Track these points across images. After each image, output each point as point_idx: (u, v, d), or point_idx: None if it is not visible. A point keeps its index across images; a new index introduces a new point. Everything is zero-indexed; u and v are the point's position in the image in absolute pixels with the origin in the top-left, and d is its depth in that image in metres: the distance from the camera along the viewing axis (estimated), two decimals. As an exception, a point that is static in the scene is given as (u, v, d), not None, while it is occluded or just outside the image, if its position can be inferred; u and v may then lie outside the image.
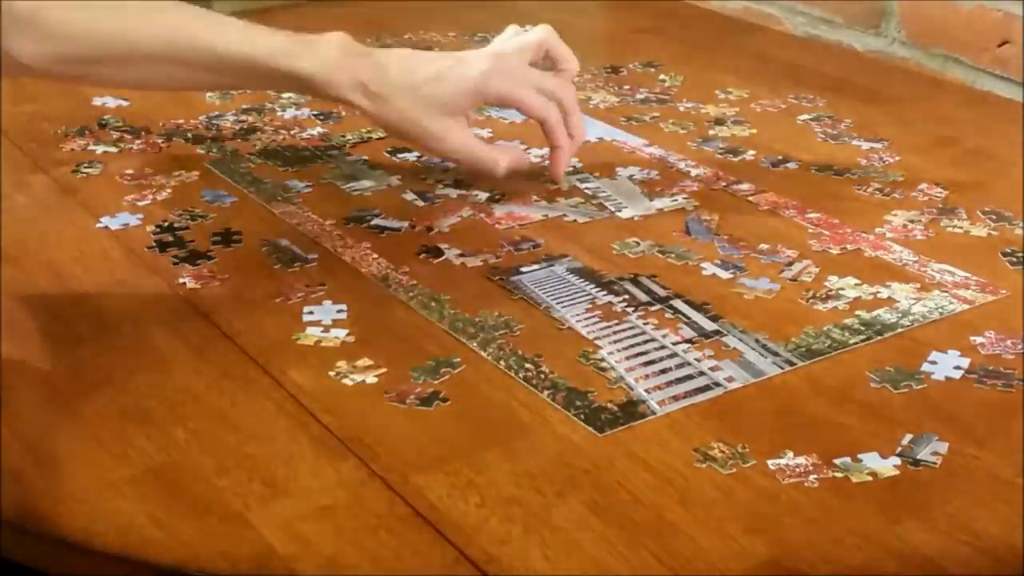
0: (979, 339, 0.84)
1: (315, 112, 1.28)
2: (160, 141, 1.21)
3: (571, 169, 1.12)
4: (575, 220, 1.02)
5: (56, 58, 0.95)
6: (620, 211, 1.04)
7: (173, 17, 0.99)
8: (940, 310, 0.88)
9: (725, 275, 0.93)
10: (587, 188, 1.09)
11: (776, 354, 0.83)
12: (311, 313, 0.89)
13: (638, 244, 0.98)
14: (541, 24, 1.09)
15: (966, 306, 0.89)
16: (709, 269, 0.94)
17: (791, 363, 0.82)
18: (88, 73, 1.01)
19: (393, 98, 1.01)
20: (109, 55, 0.97)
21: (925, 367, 0.81)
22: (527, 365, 0.82)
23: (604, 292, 0.91)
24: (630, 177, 1.11)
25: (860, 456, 0.72)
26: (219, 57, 0.98)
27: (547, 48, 1.07)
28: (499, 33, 1.10)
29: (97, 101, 1.31)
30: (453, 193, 1.08)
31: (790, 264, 0.95)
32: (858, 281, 0.92)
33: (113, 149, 1.19)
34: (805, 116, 1.27)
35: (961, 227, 1.01)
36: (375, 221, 1.03)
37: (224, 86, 1.09)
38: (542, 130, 1.06)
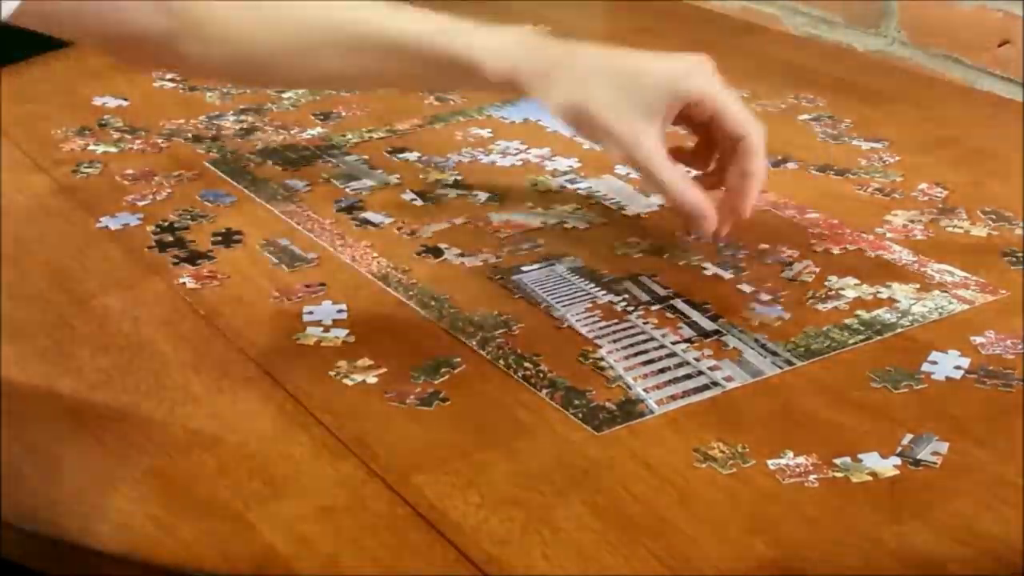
0: (979, 339, 0.84)
1: (315, 112, 1.28)
2: (160, 141, 1.21)
3: (567, 170, 1.12)
4: (575, 226, 1.01)
5: (232, 59, 0.95)
6: (622, 210, 1.04)
7: (343, 5, 0.96)
8: (940, 310, 0.88)
9: (726, 275, 0.93)
10: (579, 189, 1.09)
11: (776, 354, 0.83)
12: (311, 313, 0.89)
13: (639, 244, 0.98)
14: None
15: (966, 306, 0.89)
16: (711, 269, 0.94)
17: (791, 363, 0.82)
18: (264, 72, 0.99)
19: (580, 82, 0.89)
20: (271, 50, 0.95)
21: (925, 367, 0.81)
22: (526, 364, 0.82)
23: (604, 292, 0.91)
24: (627, 175, 1.11)
25: (860, 456, 0.72)
26: (392, 39, 0.93)
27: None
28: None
29: (97, 101, 1.31)
30: (453, 193, 1.08)
31: (790, 264, 0.95)
32: (857, 281, 0.92)
33: (113, 149, 1.19)
34: (805, 116, 1.26)
35: (961, 227, 1.01)
36: (364, 214, 1.04)
37: (396, 75, 0.97)
38: (737, 151, 0.89)
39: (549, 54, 0.91)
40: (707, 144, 0.93)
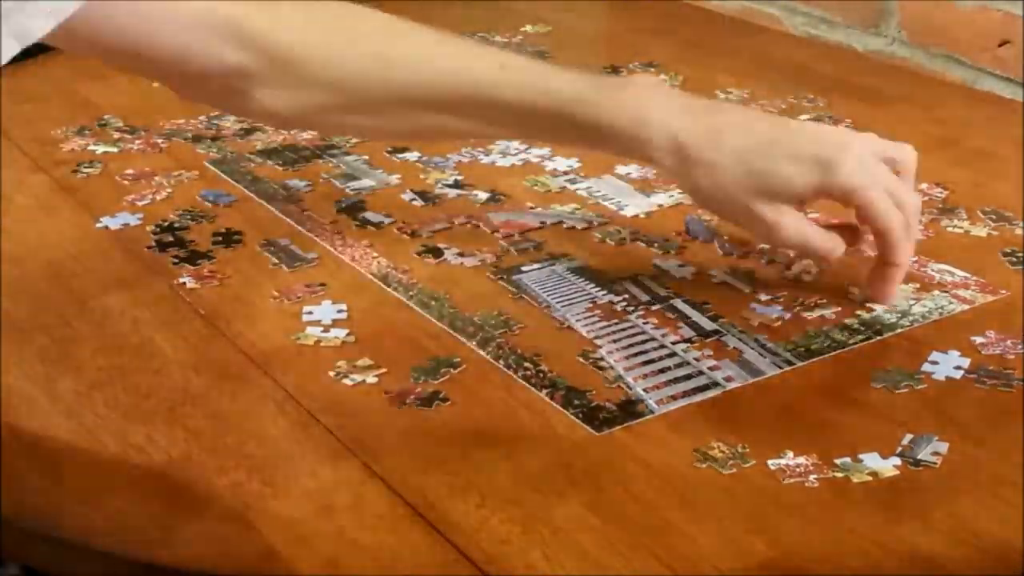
0: (979, 339, 0.84)
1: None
2: (160, 141, 1.21)
3: (568, 169, 1.12)
4: (574, 226, 1.01)
5: (314, 108, 0.86)
6: (622, 209, 1.04)
7: (447, 57, 0.88)
8: (940, 310, 0.88)
9: (727, 276, 0.93)
10: (579, 189, 1.08)
11: (775, 354, 0.83)
12: (311, 313, 0.89)
13: (638, 244, 0.98)
14: (906, 145, 0.89)
15: (966, 306, 0.89)
16: (713, 271, 0.94)
17: (791, 363, 0.82)
18: (348, 122, 0.92)
19: (719, 170, 0.83)
20: (373, 104, 0.87)
21: (925, 367, 0.81)
22: (526, 364, 0.82)
23: (604, 291, 0.91)
24: (627, 175, 1.11)
25: (860, 456, 0.72)
26: (504, 105, 0.85)
27: (899, 167, 0.87)
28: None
29: (97, 100, 1.31)
30: (453, 193, 1.08)
31: (790, 264, 0.95)
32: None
33: (113, 149, 1.19)
34: (805, 116, 1.26)
35: (961, 227, 1.01)
36: (364, 214, 1.04)
37: (505, 136, 0.94)
38: (877, 240, 0.87)
39: (681, 127, 0.84)
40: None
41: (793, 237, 0.85)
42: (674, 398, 0.78)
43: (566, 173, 1.12)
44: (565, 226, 1.01)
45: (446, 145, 1.18)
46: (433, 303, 0.90)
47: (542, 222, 1.02)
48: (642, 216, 1.04)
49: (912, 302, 0.89)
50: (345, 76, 0.85)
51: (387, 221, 1.03)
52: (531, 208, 1.04)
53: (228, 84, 0.84)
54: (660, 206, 1.05)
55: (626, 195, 1.07)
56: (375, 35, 0.88)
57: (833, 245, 0.87)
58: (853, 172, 0.83)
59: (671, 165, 0.84)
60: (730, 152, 0.83)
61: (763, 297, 0.90)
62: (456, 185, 1.10)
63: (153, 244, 1.00)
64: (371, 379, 0.81)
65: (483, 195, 1.08)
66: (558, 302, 0.90)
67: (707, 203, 0.88)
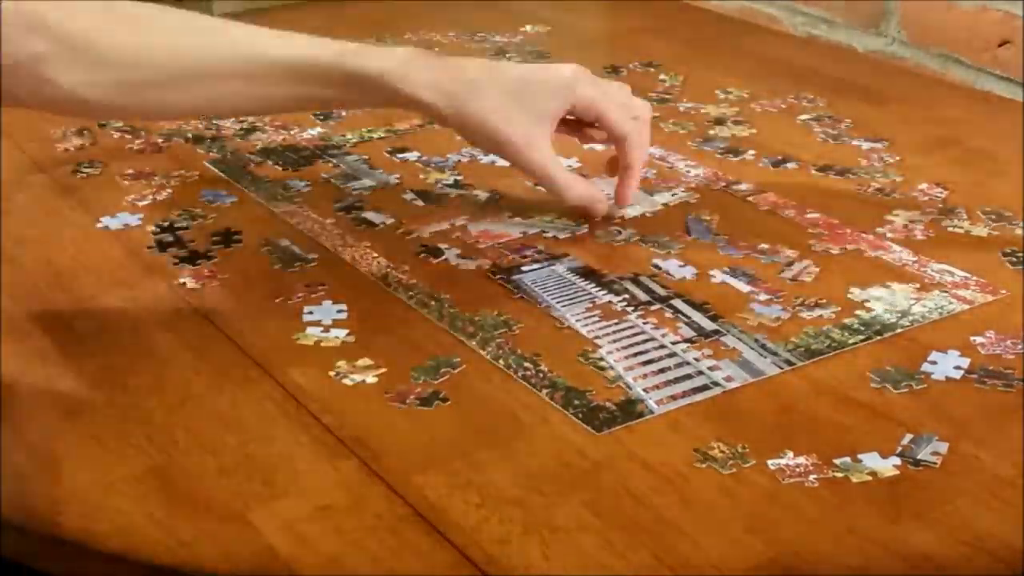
0: (979, 339, 0.84)
1: (315, 112, 1.28)
2: (160, 141, 1.21)
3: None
4: (555, 236, 1.00)
5: (115, 86, 0.91)
6: (622, 209, 1.04)
7: (233, 32, 0.96)
8: (940, 310, 0.88)
9: (727, 276, 0.93)
10: None
11: (775, 354, 0.83)
12: (311, 313, 0.89)
13: (638, 244, 0.98)
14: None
15: (966, 306, 0.89)
16: (713, 271, 0.94)
17: (790, 363, 0.82)
18: (149, 100, 0.95)
19: (474, 96, 0.95)
20: (171, 77, 0.92)
21: (925, 367, 0.81)
22: (526, 364, 0.82)
23: (604, 291, 0.91)
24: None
25: (860, 456, 0.72)
26: (285, 65, 0.94)
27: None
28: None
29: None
30: (453, 193, 1.08)
31: (790, 264, 0.95)
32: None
33: (113, 149, 1.19)
34: (805, 116, 1.27)
35: (961, 227, 1.01)
36: (364, 214, 1.04)
37: (291, 101, 0.98)
38: (617, 148, 1.00)
39: (441, 71, 0.95)
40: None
41: (539, 164, 0.98)
42: (674, 398, 0.78)
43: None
44: (547, 235, 1.00)
45: (446, 145, 1.18)
46: (433, 303, 0.90)
47: (523, 232, 1.01)
48: (648, 215, 1.03)
49: (912, 302, 0.89)
50: (138, 52, 0.91)
51: (387, 221, 1.03)
52: (510, 217, 1.04)
53: (29, 73, 0.88)
54: (666, 205, 1.05)
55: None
56: (165, 17, 0.95)
57: (572, 184, 0.99)
58: (590, 89, 0.98)
59: (438, 103, 0.95)
60: (479, 80, 0.95)
61: (763, 297, 0.90)
62: (456, 185, 1.10)
63: (153, 244, 1.00)
64: (371, 379, 0.81)
65: (483, 195, 1.08)
66: (558, 302, 0.90)
67: (470, 133, 0.98)
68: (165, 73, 0.92)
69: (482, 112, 0.95)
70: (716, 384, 0.80)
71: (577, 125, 1.02)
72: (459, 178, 1.11)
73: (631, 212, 1.04)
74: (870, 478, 0.71)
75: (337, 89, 0.96)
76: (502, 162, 1.14)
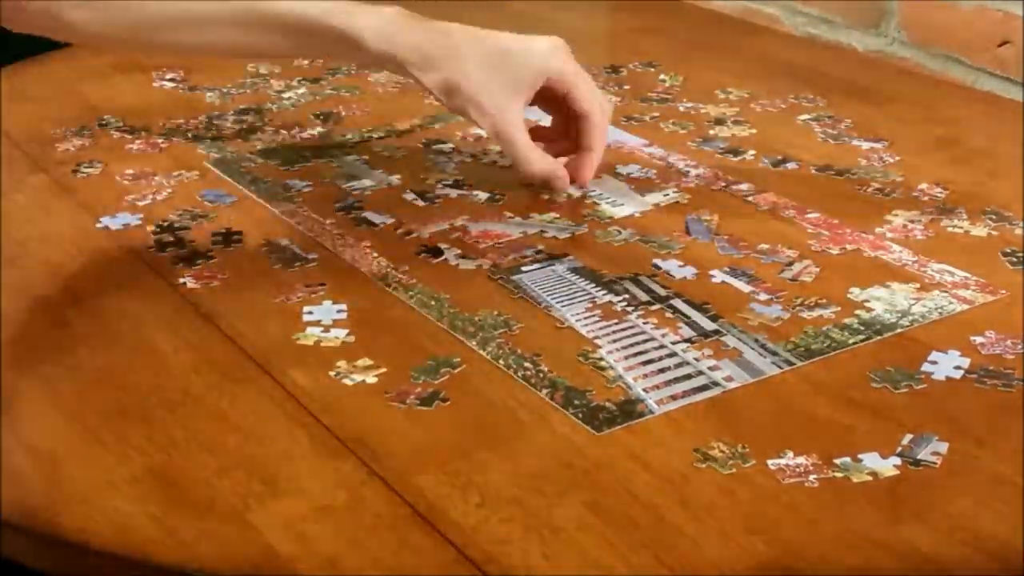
0: (979, 339, 0.84)
1: (315, 112, 1.28)
2: (160, 141, 1.21)
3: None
4: (554, 236, 1.00)
5: (114, 25, 0.98)
6: (617, 208, 1.04)
7: None
8: (940, 310, 0.88)
9: (727, 276, 0.93)
10: (576, 188, 1.08)
11: (775, 354, 0.83)
12: (311, 313, 0.89)
13: (637, 244, 0.98)
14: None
15: (966, 306, 0.89)
16: (713, 271, 0.94)
17: (790, 363, 0.82)
18: (145, 40, 1.02)
19: (454, 60, 0.98)
20: (167, 21, 0.99)
21: (925, 367, 0.81)
22: (526, 364, 0.82)
23: (604, 291, 0.91)
24: (628, 175, 1.11)
25: (860, 456, 0.72)
26: (275, 16, 0.98)
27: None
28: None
29: (96, 100, 1.31)
30: (453, 193, 1.08)
31: (790, 264, 0.95)
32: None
33: (113, 149, 1.19)
34: (805, 116, 1.27)
35: (961, 227, 1.01)
36: (364, 214, 1.04)
37: (278, 50, 1.06)
38: (580, 127, 1.03)
39: (424, 33, 0.99)
40: (565, 120, 1.05)
41: (508, 132, 1.00)
42: (674, 398, 0.78)
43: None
44: (547, 235, 1.00)
45: (445, 145, 1.18)
46: (433, 303, 0.90)
47: (523, 232, 1.01)
48: (637, 215, 1.03)
49: (912, 302, 0.89)
50: None
51: (387, 221, 1.03)
52: (510, 217, 1.04)
53: (44, 11, 0.97)
54: (656, 205, 1.05)
55: (622, 194, 1.07)
56: None
57: (534, 158, 1.02)
58: (565, 63, 1.01)
59: (418, 64, 0.99)
60: (461, 45, 0.99)
61: (763, 297, 0.90)
62: (456, 185, 1.10)
63: (153, 244, 1.00)
64: (371, 379, 0.81)
65: (483, 195, 1.08)
66: (558, 302, 0.90)
67: (447, 96, 1.00)
68: (160, 17, 0.99)
69: (460, 77, 0.98)
70: (716, 384, 0.80)
71: (552, 99, 1.04)
72: (459, 178, 1.11)
73: (622, 212, 1.04)
74: (870, 478, 0.71)
75: (324, 44, 1.02)
76: (503, 161, 1.14)
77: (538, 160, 1.03)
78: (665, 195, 1.07)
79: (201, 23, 1.00)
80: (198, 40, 1.02)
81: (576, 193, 1.06)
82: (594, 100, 1.02)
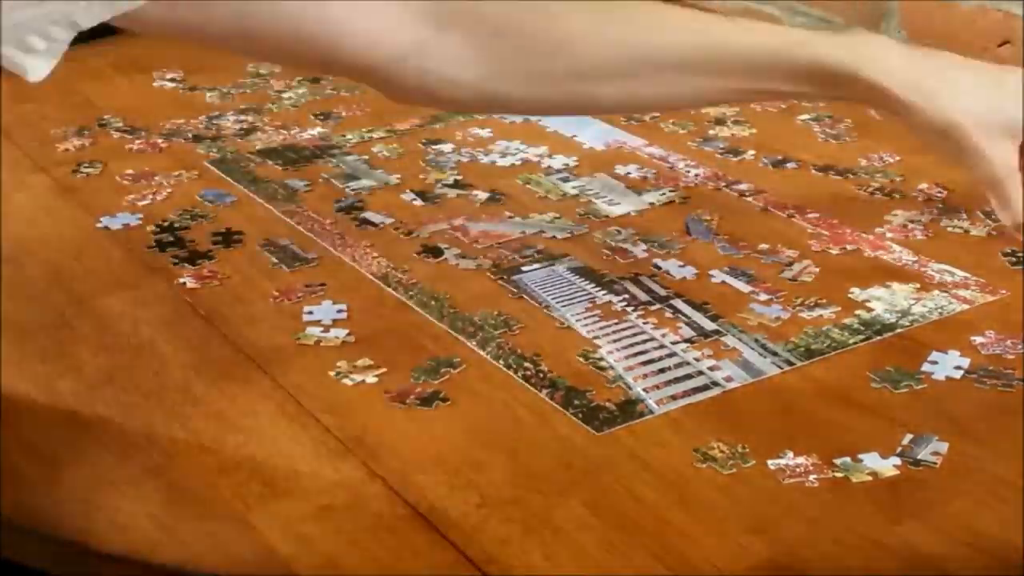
0: (979, 339, 0.84)
1: (315, 112, 1.28)
2: (160, 141, 1.21)
3: (562, 168, 1.13)
4: (554, 236, 1.00)
5: (524, 79, 0.84)
6: (613, 206, 1.04)
7: (684, 20, 0.86)
8: (940, 310, 0.88)
9: (727, 276, 0.93)
10: (573, 187, 1.08)
11: (775, 354, 0.83)
12: (311, 313, 0.89)
13: (637, 244, 0.98)
14: None
15: (966, 306, 0.89)
16: (713, 271, 0.94)
17: (790, 363, 0.82)
18: (584, 93, 0.87)
19: (953, 99, 0.84)
20: (615, 70, 0.85)
21: (925, 367, 0.81)
22: (526, 364, 0.82)
23: (604, 291, 0.91)
24: (627, 175, 1.11)
25: (860, 456, 0.72)
26: (744, 56, 0.85)
27: None
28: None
29: (96, 99, 1.31)
30: (453, 193, 1.08)
31: (790, 264, 0.95)
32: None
33: (113, 149, 1.19)
34: (805, 116, 1.26)
35: (961, 227, 1.01)
36: (364, 214, 1.04)
37: (737, 94, 0.90)
38: None
39: (920, 62, 0.86)
40: None
41: (1000, 174, 0.85)
42: (674, 398, 0.78)
43: (559, 171, 1.12)
44: (546, 235, 1.00)
45: (445, 145, 1.18)
46: (433, 303, 0.90)
47: (522, 232, 1.01)
48: (633, 215, 1.03)
49: (912, 302, 0.89)
50: (569, 38, 0.83)
51: (387, 221, 1.03)
52: (510, 217, 1.04)
53: (417, 65, 0.81)
54: (652, 204, 1.05)
55: (618, 194, 1.07)
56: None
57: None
58: None
59: (917, 103, 0.84)
60: (958, 81, 0.85)
61: (763, 297, 0.90)
62: (456, 185, 1.10)
63: (153, 244, 1.00)
64: (371, 379, 0.81)
65: (483, 195, 1.08)
66: (558, 302, 0.90)
67: (938, 135, 0.86)
68: (608, 66, 0.84)
69: (958, 117, 0.84)
70: (716, 384, 0.80)
71: None
72: (459, 178, 1.11)
73: (617, 211, 1.03)
74: (870, 478, 0.70)
75: (799, 80, 0.86)
76: (501, 162, 1.15)
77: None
78: (662, 194, 1.07)
79: (655, 70, 0.85)
80: (647, 91, 0.86)
81: None
82: None
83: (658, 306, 0.89)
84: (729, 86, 0.86)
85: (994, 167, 0.85)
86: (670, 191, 1.07)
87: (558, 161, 1.14)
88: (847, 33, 0.88)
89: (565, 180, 1.10)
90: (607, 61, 0.84)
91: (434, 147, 1.19)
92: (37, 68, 0.65)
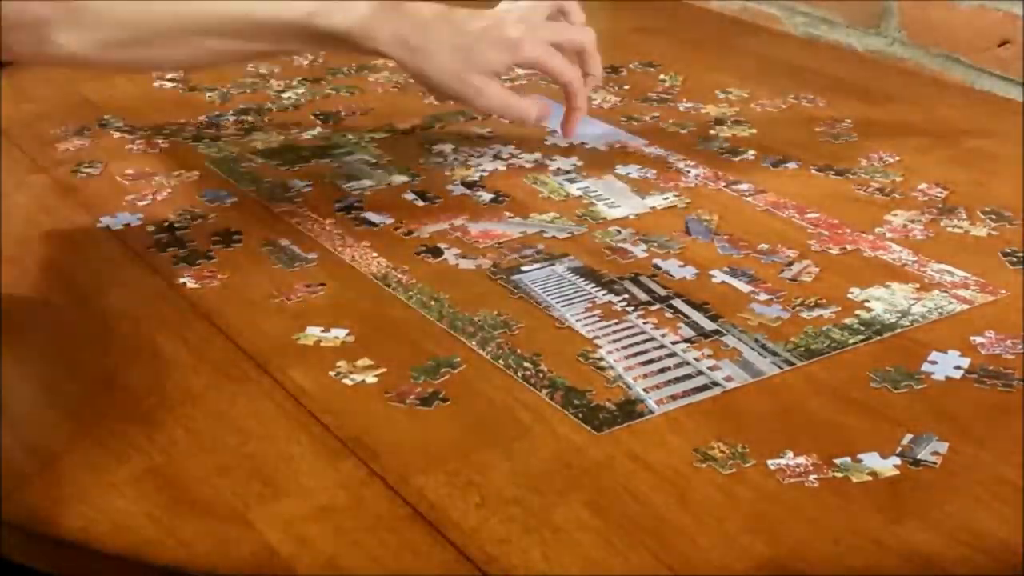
0: (979, 339, 0.84)
1: (315, 112, 1.28)
2: (160, 141, 1.21)
3: (570, 168, 1.13)
4: (554, 236, 1.00)
5: (104, 45, 0.98)
6: (613, 209, 1.04)
7: None
8: (940, 310, 0.88)
9: (726, 276, 0.93)
10: (577, 188, 1.09)
11: (775, 354, 0.83)
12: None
13: (637, 244, 0.98)
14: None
15: (965, 306, 0.89)
16: (713, 271, 0.94)
17: (790, 363, 0.82)
18: (135, 58, 1.04)
19: (433, 53, 1.03)
20: (156, 36, 1.01)
21: (925, 367, 0.81)
22: (526, 364, 0.82)
23: (604, 291, 0.91)
24: (627, 175, 1.11)
25: (860, 456, 0.72)
26: (258, 24, 1.01)
27: (560, 6, 1.11)
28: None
29: (96, 99, 1.31)
30: (453, 193, 1.08)
31: (790, 264, 0.95)
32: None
33: (113, 149, 1.19)
34: (805, 116, 1.26)
35: (961, 227, 1.01)
36: (364, 214, 1.04)
37: (268, 54, 1.14)
38: (563, 92, 1.08)
39: (402, 23, 1.02)
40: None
41: (496, 102, 1.05)
42: (674, 398, 0.78)
43: (568, 172, 1.12)
44: (546, 235, 1.00)
45: (446, 145, 1.18)
46: (433, 303, 0.90)
47: (522, 232, 1.01)
48: (632, 218, 1.03)
49: (912, 302, 0.89)
50: (129, 13, 1.00)
51: (387, 221, 1.03)
52: (510, 217, 1.04)
53: (35, 34, 0.96)
54: (653, 208, 1.05)
55: (621, 196, 1.07)
56: None
57: (529, 108, 1.06)
58: (532, 49, 1.04)
59: (403, 57, 1.03)
60: (438, 38, 1.03)
61: (763, 297, 0.90)
62: (456, 185, 1.10)
63: (153, 244, 1.00)
64: (371, 379, 0.81)
65: (486, 196, 1.08)
66: (558, 302, 0.90)
67: (430, 84, 1.05)
68: (153, 32, 1.01)
69: (440, 67, 1.03)
70: (716, 384, 0.80)
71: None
72: (459, 178, 1.11)
73: (619, 213, 1.03)
74: (870, 478, 0.71)
75: (309, 45, 1.11)
76: (502, 163, 1.14)
77: (531, 107, 1.07)
78: (664, 198, 1.07)
79: (193, 34, 1.01)
80: (191, 53, 1.03)
81: (563, 142, 1.15)
82: (566, 70, 1.06)
83: (658, 306, 0.89)
84: (258, 48, 1.05)
85: (492, 104, 1.05)
86: (674, 195, 1.07)
87: (563, 163, 1.13)
88: (343, 2, 1.03)
89: (572, 181, 1.10)
90: (168, 30, 1.01)
91: (434, 147, 1.19)
92: None
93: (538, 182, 1.10)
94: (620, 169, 1.13)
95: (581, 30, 1.10)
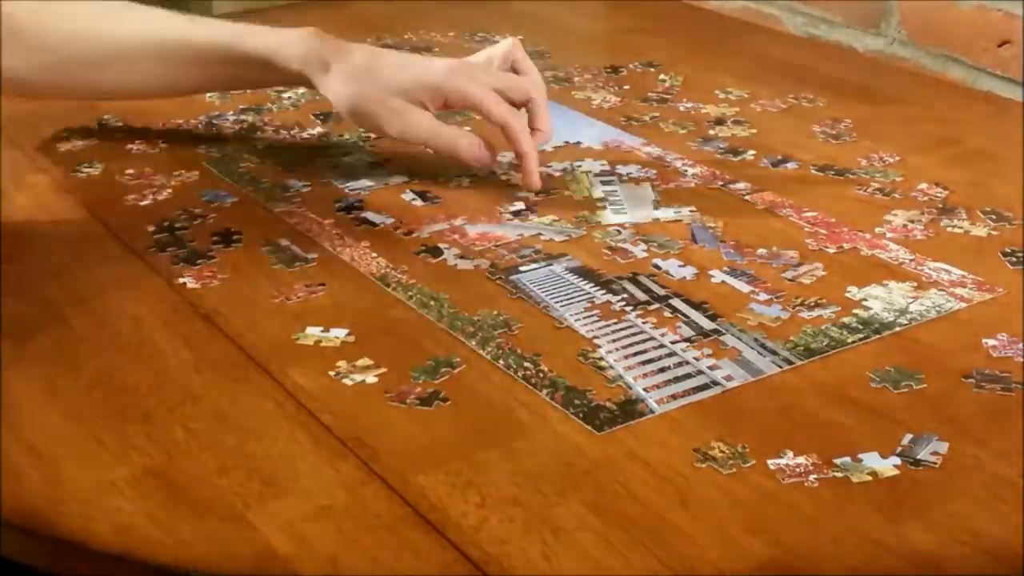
0: (991, 341, 0.84)
1: (315, 112, 1.28)
2: (160, 141, 1.21)
3: (598, 171, 1.12)
4: (551, 239, 1.00)
5: (51, 68, 1.02)
6: (618, 215, 1.03)
7: (150, 17, 1.07)
8: (938, 308, 0.88)
9: (727, 277, 0.93)
10: (603, 190, 1.08)
11: (775, 353, 0.83)
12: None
13: (637, 244, 0.98)
14: (508, 38, 1.11)
15: (963, 304, 0.89)
16: (713, 271, 0.94)
17: (790, 362, 0.82)
18: (82, 81, 1.07)
19: (355, 79, 1.03)
20: (94, 59, 1.04)
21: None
22: (526, 364, 0.82)
23: (603, 291, 0.91)
24: (628, 175, 1.11)
25: (860, 456, 0.72)
26: (189, 47, 1.04)
27: (512, 60, 1.09)
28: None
29: (97, 101, 1.31)
30: (453, 193, 1.08)
31: (789, 264, 0.95)
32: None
33: (113, 149, 1.19)
34: (805, 116, 1.26)
35: (961, 227, 1.01)
36: (364, 214, 1.04)
37: (196, 81, 1.12)
38: (504, 136, 1.05)
39: (329, 51, 1.04)
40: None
41: (419, 127, 1.05)
42: (674, 397, 0.78)
43: (598, 174, 1.11)
44: (543, 238, 1.00)
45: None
46: (433, 303, 0.90)
47: (519, 234, 1.01)
48: (628, 224, 1.03)
49: (909, 300, 0.89)
50: (67, 37, 1.04)
51: (387, 221, 1.03)
52: (508, 220, 1.04)
53: None
54: (656, 219, 1.04)
55: (635, 203, 1.06)
56: (91, 5, 1.09)
57: (457, 138, 1.06)
58: (461, 82, 1.03)
59: (324, 81, 1.05)
60: (363, 65, 1.04)
61: (763, 297, 0.90)
62: (456, 185, 1.10)
63: (153, 244, 1.00)
64: (371, 379, 0.81)
65: (483, 195, 1.08)
66: (557, 302, 0.90)
67: (351, 109, 1.06)
68: (88, 56, 1.04)
69: (361, 93, 1.04)
70: (716, 383, 0.80)
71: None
72: (459, 178, 1.11)
73: (629, 220, 1.03)
74: (870, 478, 0.71)
75: (241, 69, 1.08)
76: (501, 169, 1.14)
77: (459, 138, 1.06)
78: (677, 212, 1.04)
79: (126, 58, 1.04)
80: (139, 79, 1.07)
81: (532, 196, 1.07)
82: (500, 111, 1.04)
83: (657, 305, 0.89)
84: (198, 74, 1.08)
85: (413, 130, 1.05)
86: (689, 210, 1.04)
87: (594, 165, 1.13)
88: (266, 27, 1.07)
89: (605, 183, 1.10)
90: (103, 53, 1.05)
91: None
92: None
93: (574, 179, 1.10)
94: (620, 169, 1.12)
95: (530, 81, 1.08)
